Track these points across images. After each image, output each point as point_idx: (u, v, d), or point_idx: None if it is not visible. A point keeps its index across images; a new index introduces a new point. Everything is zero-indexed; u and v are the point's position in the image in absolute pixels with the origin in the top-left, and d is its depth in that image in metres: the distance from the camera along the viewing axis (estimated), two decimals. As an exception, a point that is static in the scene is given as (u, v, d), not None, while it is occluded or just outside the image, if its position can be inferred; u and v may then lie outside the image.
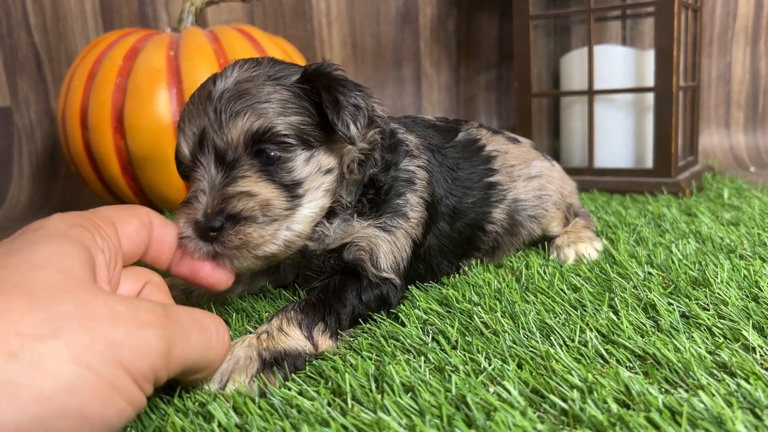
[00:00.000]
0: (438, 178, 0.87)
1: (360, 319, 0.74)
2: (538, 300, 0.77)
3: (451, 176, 0.89)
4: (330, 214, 0.77)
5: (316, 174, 0.72)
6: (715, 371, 0.55)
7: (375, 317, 0.74)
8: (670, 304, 0.72)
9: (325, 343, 0.67)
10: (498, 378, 0.56)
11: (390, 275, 0.77)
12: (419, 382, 0.56)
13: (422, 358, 0.62)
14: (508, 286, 0.83)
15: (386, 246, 0.78)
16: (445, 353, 0.62)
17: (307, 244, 0.77)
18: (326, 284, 0.75)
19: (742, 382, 0.52)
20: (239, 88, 0.70)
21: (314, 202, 0.72)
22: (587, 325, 0.68)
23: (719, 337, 0.63)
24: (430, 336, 0.68)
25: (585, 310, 0.72)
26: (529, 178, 1.00)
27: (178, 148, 0.73)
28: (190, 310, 0.52)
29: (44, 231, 0.47)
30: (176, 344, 0.47)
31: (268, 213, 0.67)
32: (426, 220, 0.83)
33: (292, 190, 0.70)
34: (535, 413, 0.50)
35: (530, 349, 0.63)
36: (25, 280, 0.41)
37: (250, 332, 0.72)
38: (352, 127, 0.70)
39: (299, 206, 0.71)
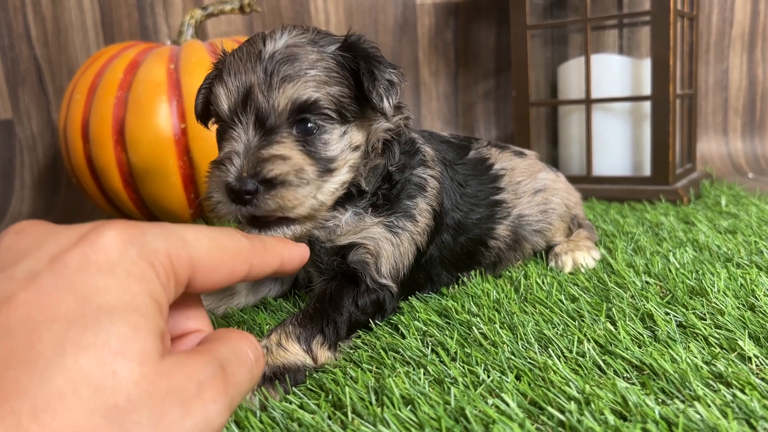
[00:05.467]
0: (447, 191, 0.88)
1: (358, 326, 0.75)
2: (537, 310, 0.77)
3: (459, 192, 0.90)
4: (345, 200, 0.78)
5: (347, 150, 0.74)
6: (711, 382, 0.56)
7: (375, 329, 0.75)
8: (667, 313, 0.73)
9: (324, 355, 0.67)
10: (496, 390, 0.57)
11: (388, 282, 0.78)
12: (419, 394, 0.57)
13: (422, 370, 0.62)
14: (506, 296, 0.84)
15: (390, 249, 0.79)
16: (445, 365, 0.63)
17: (318, 235, 0.78)
18: (322, 291, 0.75)
19: (738, 393, 0.53)
20: (290, 52, 0.70)
21: (340, 177, 0.74)
22: (585, 335, 0.68)
23: (715, 347, 0.63)
24: (430, 348, 0.69)
25: (583, 321, 0.73)
26: (534, 193, 1.01)
27: (217, 100, 0.72)
28: (232, 341, 0.50)
29: (112, 289, 0.41)
30: (234, 403, 0.46)
31: (301, 176, 0.68)
32: (432, 229, 0.85)
33: (324, 165, 0.71)
34: (533, 425, 0.51)
35: (528, 360, 0.63)
36: (103, 384, 0.38)
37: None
38: (385, 100, 0.72)
39: (328, 180, 0.72)
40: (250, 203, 0.65)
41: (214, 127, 0.80)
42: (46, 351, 0.37)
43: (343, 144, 0.73)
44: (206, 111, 0.81)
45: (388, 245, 0.79)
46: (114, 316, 0.40)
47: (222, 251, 0.50)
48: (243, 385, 0.48)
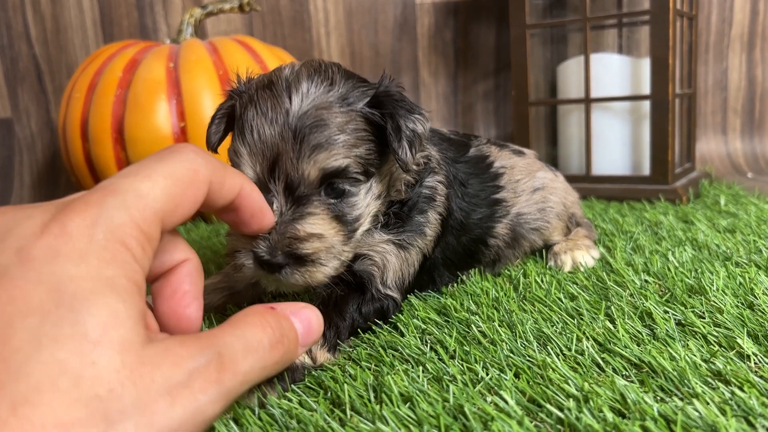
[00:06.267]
0: (452, 193, 0.87)
1: (359, 330, 0.75)
2: (536, 309, 0.77)
3: (461, 191, 0.90)
4: None
5: (371, 203, 0.73)
6: (709, 379, 0.56)
7: (374, 327, 0.75)
8: (666, 312, 0.73)
9: (323, 356, 0.67)
10: (495, 387, 0.57)
11: (393, 293, 0.78)
12: (417, 392, 0.57)
13: (420, 368, 0.62)
14: (505, 294, 0.84)
15: (398, 264, 0.79)
16: (443, 363, 0.63)
17: None
18: (327, 296, 0.75)
19: (737, 390, 0.53)
20: (319, 115, 0.67)
21: (363, 228, 0.74)
22: (584, 333, 0.68)
23: (714, 345, 0.63)
24: (429, 346, 0.69)
25: (582, 319, 0.73)
26: (532, 191, 1.01)
27: (240, 161, 0.68)
28: (247, 327, 0.49)
29: (86, 276, 0.40)
30: (232, 392, 0.45)
31: (330, 251, 0.68)
32: (439, 235, 0.85)
33: (351, 225, 0.71)
34: (531, 422, 0.51)
35: (527, 358, 0.63)
36: (82, 375, 0.37)
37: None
38: (408, 154, 0.70)
39: (352, 239, 0.72)
40: (278, 272, 0.66)
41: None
42: (22, 346, 0.37)
43: (368, 199, 0.73)
44: (219, 141, 0.79)
45: (395, 259, 0.79)
46: (91, 304, 0.39)
47: (180, 183, 0.48)
48: (249, 374, 0.46)
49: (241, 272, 0.67)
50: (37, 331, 0.37)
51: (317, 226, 0.67)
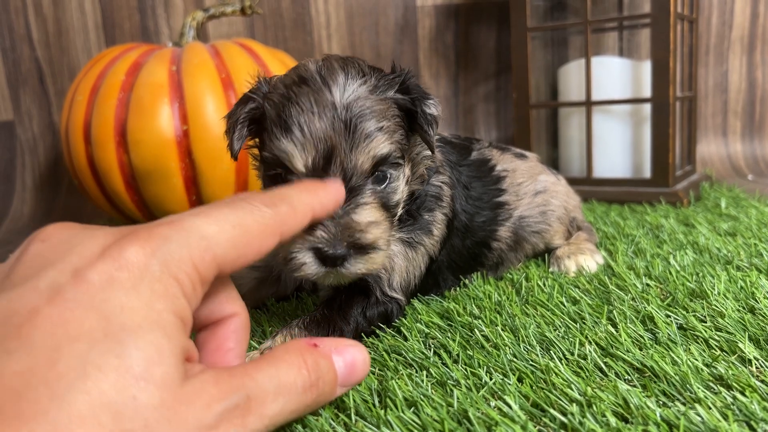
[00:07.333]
0: (456, 195, 0.88)
1: (363, 334, 0.75)
2: (538, 313, 0.78)
3: (465, 194, 0.91)
4: None
5: (404, 187, 0.75)
6: (711, 384, 0.57)
7: (377, 332, 0.76)
8: (667, 316, 0.73)
9: None
10: (499, 392, 0.57)
11: (398, 295, 0.79)
12: (421, 396, 0.57)
13: (424, 372, 0.63)
14: (508, 298, 0.84)
15: (404, 264, 0.80)
16: (447, 367, 0.63)
17: None
18: (332, 298, 0.76)
19: (738, 395, 0.53)
20: (362, 105, 0.68)
21: (398, 213, 0.76)
22: (586, 338, 0.69)
23: (716, 350, 0.64)
24: (432, 350, 0.69)
25: (584, 323, 0.73)
26: (534, 194, 1.01)
27: (288, 157, 0.67)
28: (280, 367, 0.48)
29: (136, 308, 0.41)
30: None
31: (386, 237, 0.69)
32: (445, 236, 0.85)
33: (393, 210, 0.73)
34: (535, 427, 0.51)
35: (530, 362, 0.64)
36: (122, 410, 0.38)
37: (255, 348, 0.73)
38: (432, 134, 0.73)
39: (393, 224, 0.74)
40: (341, 265, 0.66)
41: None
42: (67, 372, 0.37)
43: (403, 183, 0.74)
44: (240, 148, 0.76)
45: (402, 260, 0.80)
46: (138, 338, 0.40)
47: (247, 235, 0.48)
48: (277, 417, 0.46)
49: (301, 272, 0.66)
50: (83, 358, 0.38)
51: (372, 214, 0.68)
